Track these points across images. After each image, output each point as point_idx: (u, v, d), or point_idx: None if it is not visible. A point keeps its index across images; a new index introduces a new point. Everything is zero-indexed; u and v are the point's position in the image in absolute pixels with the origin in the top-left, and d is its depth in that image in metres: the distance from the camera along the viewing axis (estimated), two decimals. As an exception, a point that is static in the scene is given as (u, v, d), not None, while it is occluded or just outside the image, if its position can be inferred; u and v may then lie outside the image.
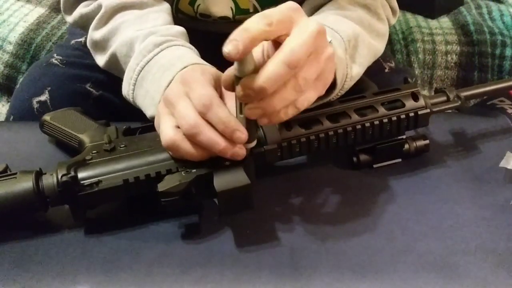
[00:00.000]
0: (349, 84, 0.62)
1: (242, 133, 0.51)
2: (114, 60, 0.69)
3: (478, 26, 1.35)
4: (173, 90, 0.55)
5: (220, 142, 0.51)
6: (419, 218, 0.56)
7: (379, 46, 0.71)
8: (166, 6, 0.73)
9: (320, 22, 0.50)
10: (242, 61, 0.47)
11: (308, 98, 0.51)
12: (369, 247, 0.53)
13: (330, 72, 0.53)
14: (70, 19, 0.76)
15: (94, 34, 0.71)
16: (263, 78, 0.47)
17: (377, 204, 0.58)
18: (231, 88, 0.50)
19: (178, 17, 0.81)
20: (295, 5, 0.50)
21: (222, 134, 0.51)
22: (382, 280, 0.50)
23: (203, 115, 0.51)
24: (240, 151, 0.52)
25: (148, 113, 0.61)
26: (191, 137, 0.52)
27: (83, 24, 0.74)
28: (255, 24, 0.46)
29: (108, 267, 0.51)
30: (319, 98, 0.56)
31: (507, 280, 0.50)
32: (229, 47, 0.46)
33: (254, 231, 0.55)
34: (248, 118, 0.51)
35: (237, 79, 0.48)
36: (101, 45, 0.71)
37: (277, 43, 0.49)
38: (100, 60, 0.72)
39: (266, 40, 0.48)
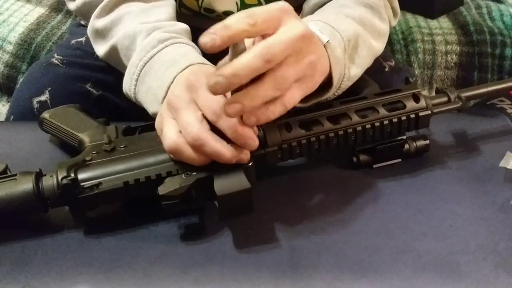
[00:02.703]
0: (347, 84, 0.62)
1: (254, 141, 0.51)
2: (114, 51, 0.69)
3: (478, 26, 1.35)
4: (178, 95, 0.54)
5: (224, 153, 0.51)
6: (419, 218, 0.56)
7: (379, 47, 0.71)
8: (171, 1, 0.73)
9: (317, 21, 0.50)
10: (235, 50, 0.47)
11: (293, 96, 0.51)
12: (369, 247, 0.53)
13: (314, 76, 0.53)
14: (72, 6, 0.76)
15: (96, 22, 0.71)
16: (236, 65, 0.47)
17: (377, 204, 0.58)
18: None
19: (181, 12, 0.81)
20: (286, 6, 0.50)
21: (232, 140, 0.51)
22: (382, 280, 0.50)
23: (213, 123, 0.51)
24: (245, 157, 0.52)
25: (151, 109, 0.61)
26: (195, 148, 0.51)
27: (85, 12, 0.74)
28: (237, 22, 0.46)
29: (108, 267, 0.51)
30: (315, 97, 0.56)
31: (507, 280, 0.50)
32: (206, 39, 0.46)
33: (254, 231, 0.55)
34: None
35: None
36: (102, 33, 0.71)
37: None
38: (100, 49, 0.72)
39: (248, 38, 0.49)
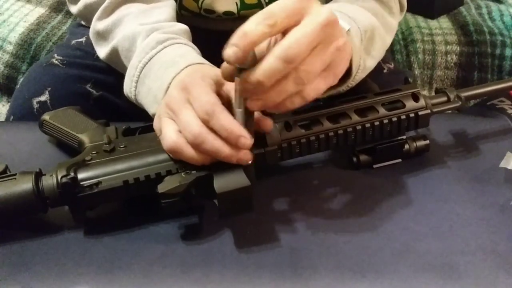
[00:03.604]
0: (361, 75, 0.61)
1: (246, 139, 0.50)
2: (115, 53, 0.69)
3: (477, 26, 1.35)
4: (174, 96, 0.54)
5: (224, 150, 0.51)
6: (419, 218, 0.56)
7: (389, 41, 0.71)
8: (171, 2, 0.73)
9: (334, 11, 0.48)
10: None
11: (316, 88, 0.50)
12: (369, 247, 0.53)
13: (341, 62, 0.52)
14: (74, 9, 0.76)
15: (98, 24, 0.71)
16: (260, 72, 0.47)
17: (377, 204, 0.58)
18: (231, 78, 0.50)
19: (181, 14, 0.81)
20: None
21: (226, 141, 0.51)
22: (382, 280, 0.50)
23: (206, 123, 0.51)
24: (245, 157, 0.51)
25: (151, 110, 0.61)
26: (196, 146, 0.51)
27: (87, 15, 0.74)
28: (256, 26, 0.45)
29: (108, 267, 0.51)
30: (332, 88, 0.55)
31: (507, 280, 0.50)
32: (229, 53, 0.46)
33: (254, 231, 0.55)
34: (246, 114, 0.51)
35: (238, 70, 0.48)
36: (103, 35, 0.71)
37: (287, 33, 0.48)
38: (101, 51, 0.72)
39: (270, 37, 0.48)
